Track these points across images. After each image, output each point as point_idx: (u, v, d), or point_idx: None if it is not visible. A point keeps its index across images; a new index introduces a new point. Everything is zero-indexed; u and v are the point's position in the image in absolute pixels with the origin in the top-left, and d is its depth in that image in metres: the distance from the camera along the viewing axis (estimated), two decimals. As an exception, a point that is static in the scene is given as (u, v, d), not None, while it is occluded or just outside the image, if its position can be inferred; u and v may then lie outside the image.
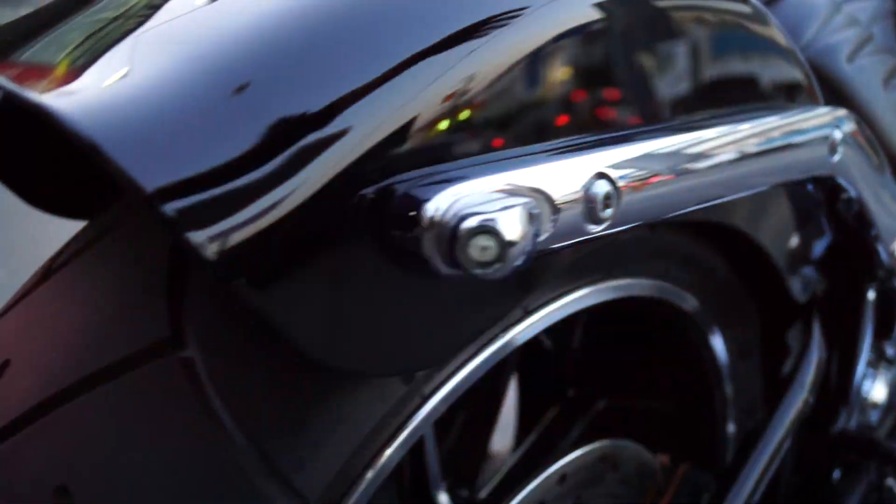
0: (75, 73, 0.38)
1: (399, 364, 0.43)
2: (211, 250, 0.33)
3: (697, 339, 0.79)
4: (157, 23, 0.42)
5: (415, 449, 0.61)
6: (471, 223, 0.37)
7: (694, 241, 0.74)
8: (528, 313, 0.55)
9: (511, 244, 0.37)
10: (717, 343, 0.80)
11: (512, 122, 0.44)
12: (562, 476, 0.67)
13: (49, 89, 0.37)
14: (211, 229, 0.34)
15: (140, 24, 0.42)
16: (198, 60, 0.37)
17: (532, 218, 0.38)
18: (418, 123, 0.39)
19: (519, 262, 0.38)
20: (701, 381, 0.82)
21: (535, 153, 0.44)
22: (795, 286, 0.81)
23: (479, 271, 0.37)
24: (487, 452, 0.87)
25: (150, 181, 0.33)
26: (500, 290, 0.48)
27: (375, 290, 0.40)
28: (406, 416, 0.49)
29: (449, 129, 0.41)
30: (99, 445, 0.42)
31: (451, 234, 0.37)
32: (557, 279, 0.57)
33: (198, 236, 0.33)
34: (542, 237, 0.41)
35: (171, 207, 0.33)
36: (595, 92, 0.50)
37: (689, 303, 0.75)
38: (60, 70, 0.39)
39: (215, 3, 0.43)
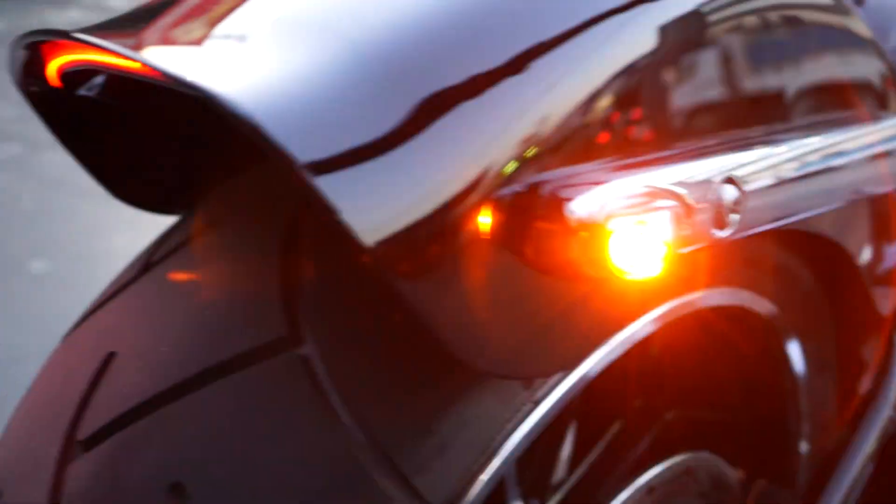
0: (233, 56, 0.38)
1: (535, 366, 0.42)
2: (370, 237, 0.33)
3: (774, 348, 0.78)
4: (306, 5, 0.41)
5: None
6: (617, 219, 0.36)
7: (779, 248, 0.72)
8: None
9: (657, 240, 0.36)
10: (795, 353, 0.79)
11: (643, 126, 0.44)
12: (650, 488, 0.66)
13: (207, 72, 0.36)
14: (370, 217, 0.33)
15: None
16: (352, 47, 0.37)
17: (684, 229, 0.38)
18: (561, 121, 0.39)
19: (664, 263, 0.37)
20: (775, 393, 0.81)
21: (667, 157, 0.44)
22: (879, 297, 0.79)
23: (625, 268, 0.36)
24: (557, 461, 0.85)
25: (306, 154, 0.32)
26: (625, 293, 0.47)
27: (518, 289, 0.39)
28: (517, 421, 0.48)
29: (587, 130, 0.41)
30: (215, 444, 0.42)
31: (597, 232, 0.36)
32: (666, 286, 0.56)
33: (358, 221, 0.33)
34: (675, 241, 0.41)
35: (334, 190, 0.33)
36: (713, 96, 0.49)
37: (768, 310, 0.73)
38: (215, 52, 0.39)
39: None
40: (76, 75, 0.53)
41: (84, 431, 0.44)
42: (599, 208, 0.36)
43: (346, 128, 0.34)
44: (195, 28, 0.43)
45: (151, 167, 0.66)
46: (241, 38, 0.40)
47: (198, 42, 0.41)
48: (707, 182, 0.43)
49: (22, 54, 0.49)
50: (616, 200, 0.37)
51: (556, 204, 0.37)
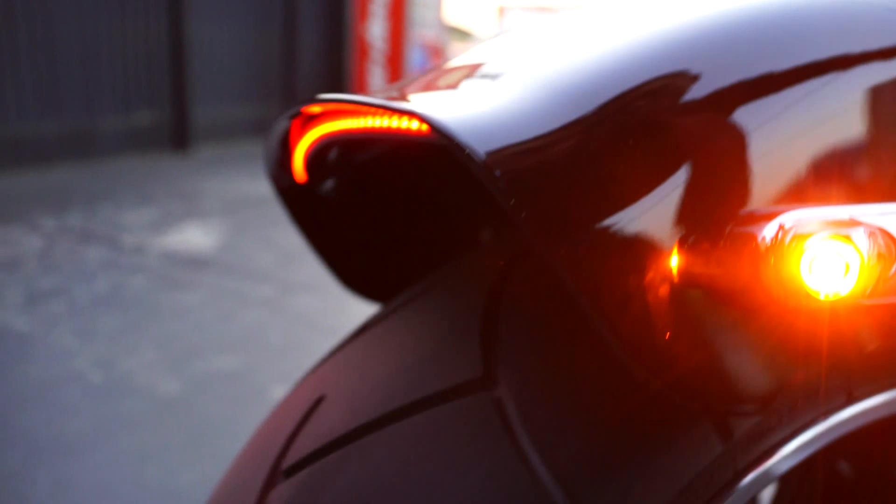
0: (446, 95, 0.43)
1: (719, 396, 0.40)
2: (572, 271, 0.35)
3: None
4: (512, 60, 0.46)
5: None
6: (815, 241, 0.35)
7: None
8: (853, 400, 0.50)
9: (858, 262, 0.34)
10: None
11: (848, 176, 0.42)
12: None
13: (428, 106, 0.41)
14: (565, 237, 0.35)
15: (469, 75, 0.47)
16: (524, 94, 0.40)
17: (880, 250, 0.35)
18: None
19: (866, 287, 0.35)
20: None
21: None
22: None
23: (824, 289, 0.34)
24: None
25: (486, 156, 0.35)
26: (828, 347, 0.44)
27: (705, 312, 0.38)
28: (715, 491, 0.45)
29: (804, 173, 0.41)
30: (403, 473, 0.43)
31: (792, 255, 0.35)
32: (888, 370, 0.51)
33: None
34: (884, 286, 0.38)
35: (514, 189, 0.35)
36: None
37: None
38: (437, 95, 0.45)
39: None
40: (318, 172, 0.60)
41: (287, 462, 0.47)
42: (789, 229, 0.35)
43: (538, 148, 0.37)
44: (424, 87, 0.49)
45: (375, 260, 0.72)
46: (462, 89, 0.45)
47: (425, 93, 0.47)
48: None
49: (277, 136, 0.56)
50: (806, 222, 0.35)
51: (747, 234, 0.36)
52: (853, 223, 0.36)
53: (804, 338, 0.42)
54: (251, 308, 2.96)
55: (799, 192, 0.41)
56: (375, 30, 8.09)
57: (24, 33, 5.09)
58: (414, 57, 8.16)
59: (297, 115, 0.53)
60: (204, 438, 1.98)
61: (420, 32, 8.20)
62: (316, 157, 0.58)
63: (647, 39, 0.43)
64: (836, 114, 0.43)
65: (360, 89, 8.29)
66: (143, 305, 2.93)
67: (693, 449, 0.42)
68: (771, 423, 0.45)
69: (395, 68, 8.10)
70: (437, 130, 0.37)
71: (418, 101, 0.43)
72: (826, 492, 0.83)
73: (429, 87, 0.48)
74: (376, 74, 8.19)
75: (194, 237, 3.91)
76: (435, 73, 0.53)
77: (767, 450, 0.46)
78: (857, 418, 0.50)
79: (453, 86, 0.46)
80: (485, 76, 0.46)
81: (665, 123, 0.39)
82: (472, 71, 0.49)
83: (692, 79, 0.40)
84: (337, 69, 8.50)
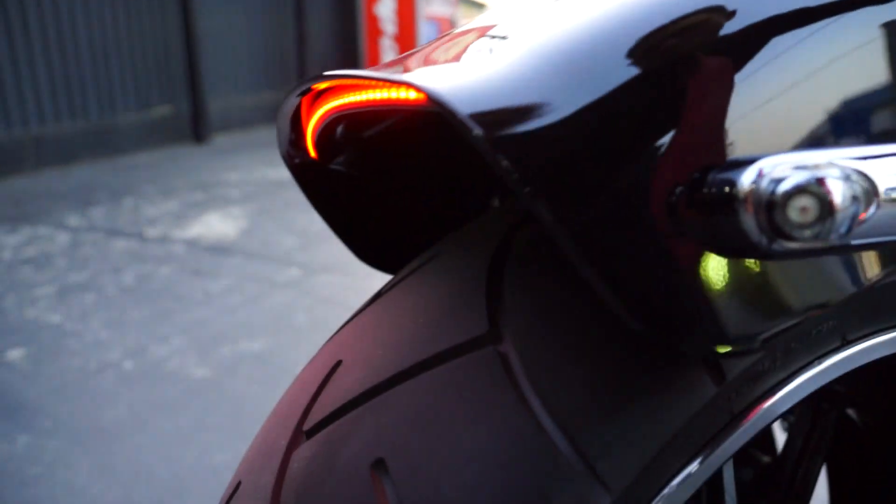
0: (445, 65, 0.45)
1: (708, 336, 0.42)
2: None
3: None
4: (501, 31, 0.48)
5: (714, 479, 0.58)
6: (787, 185, 0.36)
7: None
8: (847, 343, 0.52)
9: (831, 205, 0.36)
10: None
11: (830, 117, 0.44)
12: None
13: (422, 77, 0.43)
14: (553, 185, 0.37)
15: (472, 46, 0.49)
16: (523, 60, 0.42)
17: (851, 186, 0.37)
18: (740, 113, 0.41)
19: (842, 229, 0.36)
20: None
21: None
22: None
23: (799, 234, 0.36)
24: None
25: (480, 126, 0.37)
26: (818, 291, 0.46)
27: (691, 264, 0.40)
28: (712, 433, 0.47)
29: (762, 122, 0.42)
30: (416, 426, 0.45)
31: (768, 200, 0.36)
32: (887, 311, 0.53)
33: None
34: (860, 227, 0.39)
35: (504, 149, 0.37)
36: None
37: None
38: (433, 69, 0.47)
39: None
40: (328, 148, 0.62)
41: (308, 423, 0.50)
42: (763, 175, 0.37)
43: (530, 111, 0.39)
44: (426, 58, 0.51)
45: (385, 232, 0.74)
46: (463, 57, 0.47)
47: (422, 65, 0.49)
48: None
49: (287, 114, 0.58)
50: (784, 167, 0.37)
51: (725, 181, 0.38)
52: (829, 166, 0.37)
53: (790, 281, 0.43)
54: (276, 291, 3.00)
55: (817, 134, 0.42)
56: (386, 7, 8.08)
57: (37, 36, 5.14)
58: (425, 32, 8.13)
59: (306, 91, 0.55)
60: (236, 419, 2.03)
61: (430, 7, 8.16)
62: (325, 134, 0.60)
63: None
64: (859, 50, 0.44)
65: (373, 69, 8.27)
66: (171, 294, 2.99)
67: (687, 391, 0.44)
68: (765, 365, 0.47)
69: (407, 45, 8.09)
70: (432, 100, 0.39)
71: (416, 72, 0.45)
72: (835, 441, 0.85)
73: (431, 57, 0.50)
74: (389, 52, 8.18)
75: (216, 225, 3.96)
76: (441, 42, 0.55)
77: (764, 392, 0.48)
78: (853, 359, 0.52)
79: (455, 55, 0.48)
80: (488, 42, 0.48)
81: (668, 71, 0.40)
82: (475, 38, 0.50)
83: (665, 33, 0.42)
84: (351, 50, 8.50)
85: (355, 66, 8.47)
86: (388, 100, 0.48)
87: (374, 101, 0.50)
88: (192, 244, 3.64)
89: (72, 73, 5.41)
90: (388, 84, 0.47)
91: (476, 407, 0.44)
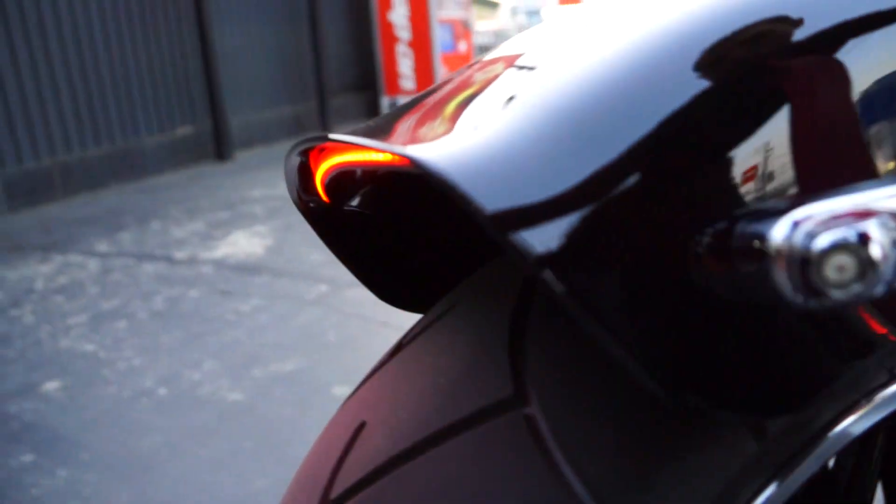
0: (438, 132, 0.43)
1: (748, 403, 0.40)
2: (549, 275, 0.34)
3: None
4: (500, 89, 0.46)
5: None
6: (824, 241, 0.34)
7: None
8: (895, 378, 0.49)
9: (871, 260, 0.34)
10: None
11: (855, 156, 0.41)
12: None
13: (419, 147, 0.41)
14: (551, 253, 0.35)
15: (487, 91, 0.46)
16: (533, 116, 0.40)
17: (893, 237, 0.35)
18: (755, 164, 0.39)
19: (881, 285, 0.34)
20: None
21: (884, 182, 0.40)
22: None
23: (839, 293, 0.34)
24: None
25: (492, 205, 0.35)
26: (858, 336, 0.43)
27: (724, 324, 0.38)
28: (753, 491, 0.45)
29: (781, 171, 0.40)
30: (444, 497, 0.44)
31: (802, 257, 0.34)
32: None
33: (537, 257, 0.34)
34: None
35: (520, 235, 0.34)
36: None
37: None
38: (426, 133, 0.44)
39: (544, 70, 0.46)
40: (340, 190, 0.61)
41: (335, 492, 0.49)
42: (797, 229, 0.34)
43: (535, 182, 0.37)
44: (424, 120, 0.49)
45: (406, 271, 0.73)
46: (460, 122, 0.44)
47: (422, 129, 0.47)
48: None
49: (293, 168, 0.57)
50: (820, 219, 0.34)
51: (754, 234, 0.36)
52: (869, 213, 0.35)
53: (829, 335, 0.41)
54: (305, 309, 3.00)
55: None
56: (399, 12, 8.07)
57: (60, 65, 5.21)
58: (440, 36, 8.12)
59: (310, 149, 0.54)
60: (272, 443, 2.03)
61: (443, 10, 8.15)
62: (334, 181, 0.59)
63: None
64: None
65: (391, 76, 8.29)
66: (201, 317, 3.00)
67: (725, 452, 0.42)
68: (809, 414, 0.45)
69: (423, 50, 8.08)
70: (430, 176, 0.37)
71: (413, 141, 0.43)
72: (890, 455, 0.82)
73: (434, 113, 0.48)
74: (405, 59, 8.18)
75: (243, 244, 3.97)
76: (452, 85, 0.53)
77: (809, 439, 0.46)
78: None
79: (459, 110, 0.46)
80: (499, 91, 0.46)
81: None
82: (484, 86, 0.48)
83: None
84: (367, 58, 8.52)
85: (373, 74, 8.48)
86: (392, 162, 0.46)
87: (378, 162, 0.48)
88: (220, 264, 3.66)
89: (95, 100, 5.47)
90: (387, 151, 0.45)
91: (505, 475, 0.43)
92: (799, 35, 0.41)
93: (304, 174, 0.60)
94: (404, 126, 0.48)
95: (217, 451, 2.01)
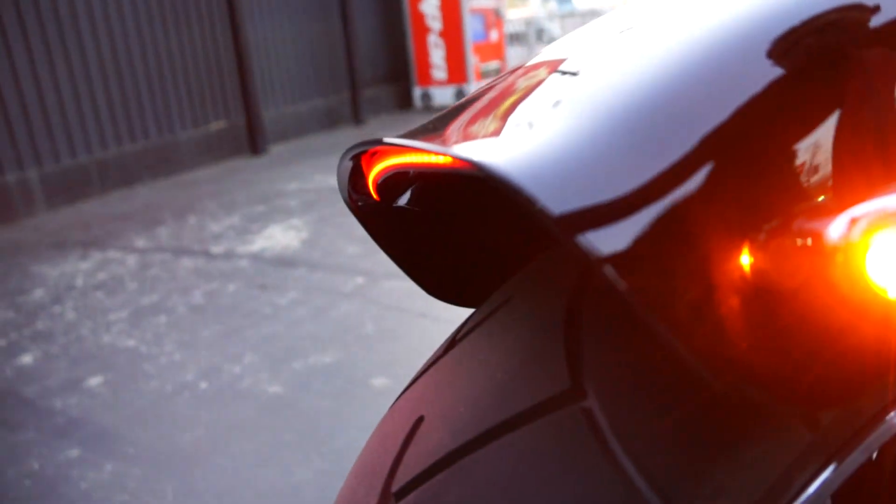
0: (495, 134, 0.43)
1: (804, 395, 0.40)
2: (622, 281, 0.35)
3: None
4: (555, 90, 0.46)
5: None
6: (882, 237, 0.34)
7: None
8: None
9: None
10: None
11: None
12: None
13: (479, 151, 0.42)
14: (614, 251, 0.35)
15: (540, 92, 0.47)
16: (593, 116, 0.40)
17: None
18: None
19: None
20: None
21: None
22: None
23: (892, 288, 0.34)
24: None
25: (558, 208, 0.35)
26: None
27: (783, 320, 0.39)
28: (807, 478, 0.45)
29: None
30: (504, 491, 0.45)
31: (859, 253, 0.35)
32: None
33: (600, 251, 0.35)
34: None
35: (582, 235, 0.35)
36: None
37: None
38: (483, 134, 0.45)
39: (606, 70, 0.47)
40: (391, 188, 0.62)
41: (396, 485, 0.50)
42: (856, 224, 0.35)
43: (598, 183, 0.37)
44: (478, 122, 0.49)
45: (456, 266, 0.74)
46: (517, 124, 0.45)
47: (477, 131, 0.47)
48: None
49: (345, 170, 0.58)
50: (874, 216, 0.35)
51: (810, 230, 0.36)
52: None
53: (880, 328, 0.41)
54: (342, 301, 3.03)
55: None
56: (431, 3, 8.07)
57: (94, 63, 5.28)
58: (472, 25, 8.10)
59: (362, 152, 0.55)
60: (312, 435, 2.06)
61: (474, 0, 8.13)
62: (386, 181, 0.60)
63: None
64: None
65: (423, 67, 8.29)
66: (239, 311, 3.04)
67: (781, 441, 0.43)
68: (859, 405, 0.45)
69: (455, 40, 8.07)
70: (493, 178, 0.37)
71: (473, 142, 0.44)
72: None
73: (489, 114, 0.49)
74: (437, 49, 8.18)
75: (279, 237, 4.01)
76: (501, 87, 0.53)
77: (863, 425, 0.46)
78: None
79: (512, 108, 0.47)
80: (554, 91, 0.46)
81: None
82: (536, 86, 0.49)
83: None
84: (399, 49, 8.53)
85: (405, 66, 8.49)
86: (450, 165, 0.47)
87: (435, 164, 0.49)
88: (257, 258, 3.70)
89: (129, 96, 5.55)
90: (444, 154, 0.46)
91: (565, 470, 0.44)
92: (875, 22, 0.41)
93: (356, 176, 0.61)
94: (459, 128, 0.49)
95: (259, 443, 2.04)
